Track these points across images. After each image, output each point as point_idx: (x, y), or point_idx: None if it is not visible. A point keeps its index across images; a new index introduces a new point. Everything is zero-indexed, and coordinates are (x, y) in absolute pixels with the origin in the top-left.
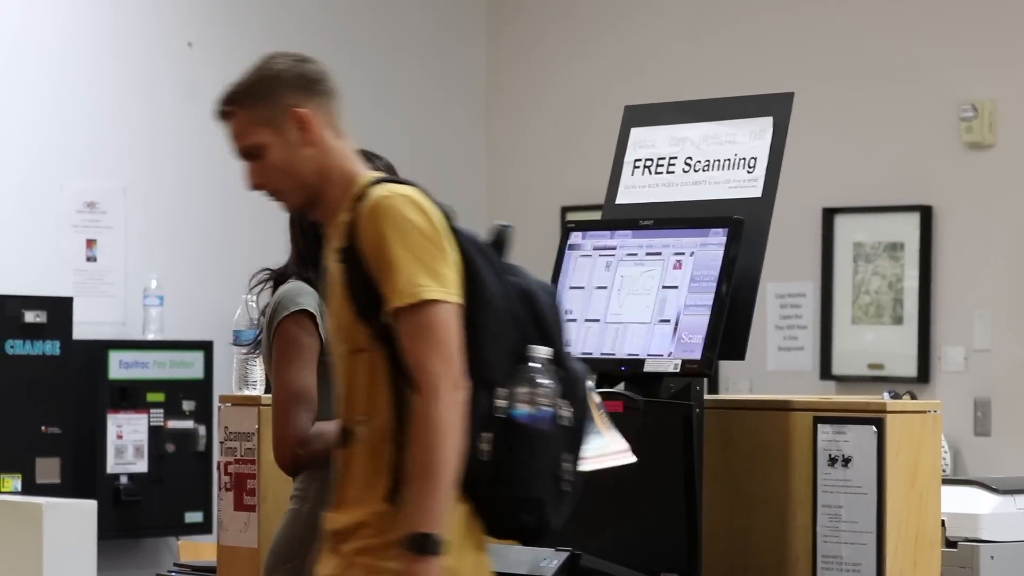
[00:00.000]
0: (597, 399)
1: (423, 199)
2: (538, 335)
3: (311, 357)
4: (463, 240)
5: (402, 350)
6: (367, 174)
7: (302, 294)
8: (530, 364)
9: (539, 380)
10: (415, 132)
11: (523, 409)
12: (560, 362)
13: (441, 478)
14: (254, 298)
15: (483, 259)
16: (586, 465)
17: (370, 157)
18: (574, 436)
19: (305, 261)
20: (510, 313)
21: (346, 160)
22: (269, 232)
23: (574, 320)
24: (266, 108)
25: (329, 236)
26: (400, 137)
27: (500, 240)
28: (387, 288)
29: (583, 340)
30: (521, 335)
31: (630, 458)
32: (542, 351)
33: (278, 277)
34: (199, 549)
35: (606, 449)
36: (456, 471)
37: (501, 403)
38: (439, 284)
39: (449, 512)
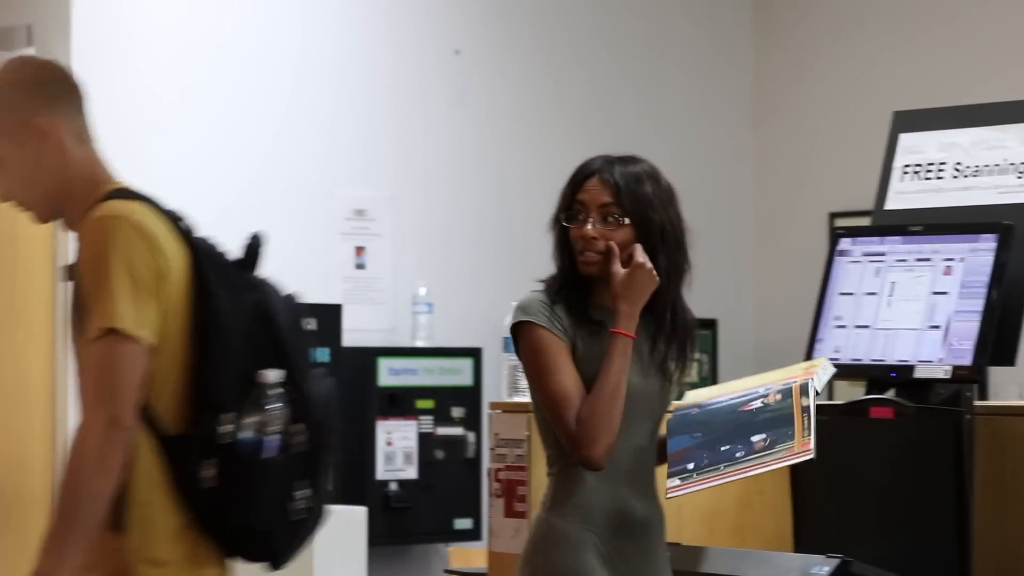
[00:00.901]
0: (806, 402)
1: (145, 220)
2: (274, 356)
3: (547, 362)
4: (199, 255)
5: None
6: (108, 184)
7: (526, 306)
8: (260, 388)
9: (268, 405)
10: (682, 139)
11: (249, 435)
12: (296, 384)
13: (72, 520)
14: None
15: (218, 275)
16: (770, 465)
17: (631, 160)
18: (310, 462)
19: (559, 271)
20: (243, 333)
21: (91, 167)
22: (539, 239)
23: (843, 326)
24: (3, 119)
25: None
26: (668, 145)
27: (251, 251)
28: (90, 313)
29: (852, 346)
30: (255, 356)
31: (808, 455)
32: (272, 374)
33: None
34: (469, 555)
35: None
36: (97, 515)
37: (225, 429)
38: (132, 317)
39: (76, 558)
